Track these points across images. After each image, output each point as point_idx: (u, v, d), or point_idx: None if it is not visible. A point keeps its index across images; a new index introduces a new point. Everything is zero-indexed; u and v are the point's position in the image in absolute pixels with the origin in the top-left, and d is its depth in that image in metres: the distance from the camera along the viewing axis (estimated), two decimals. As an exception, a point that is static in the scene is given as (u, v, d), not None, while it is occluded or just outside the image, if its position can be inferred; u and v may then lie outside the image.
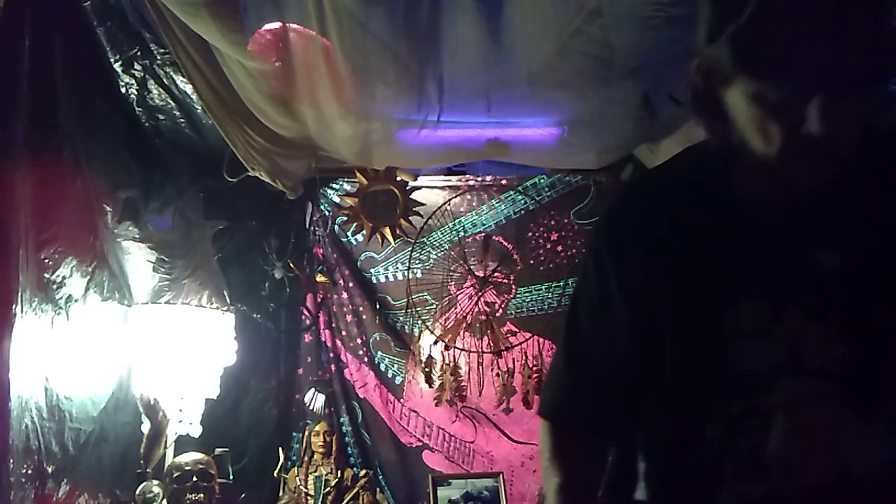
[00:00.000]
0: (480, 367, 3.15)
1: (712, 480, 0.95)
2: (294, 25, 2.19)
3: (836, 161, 0.91)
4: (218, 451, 2.75)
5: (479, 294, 3.22)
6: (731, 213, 0.97)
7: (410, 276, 3.23)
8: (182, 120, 2.72)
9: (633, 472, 1.08)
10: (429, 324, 3.19)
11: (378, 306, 3.22)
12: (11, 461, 1.81)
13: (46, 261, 2.06)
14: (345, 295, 3.24)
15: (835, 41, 0.83)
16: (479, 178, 3.29)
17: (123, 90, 2.54)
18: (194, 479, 2.55)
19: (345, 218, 3.22)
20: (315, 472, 2.92)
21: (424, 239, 3.24)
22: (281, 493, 2.90)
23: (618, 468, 1.12)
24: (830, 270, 0.92)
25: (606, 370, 1.08)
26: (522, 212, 3.27)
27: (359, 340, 3.20)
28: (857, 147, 0.90)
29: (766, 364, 0.93)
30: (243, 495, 2.86)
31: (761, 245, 0.96)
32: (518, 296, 3.23)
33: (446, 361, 3.14)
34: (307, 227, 3.27)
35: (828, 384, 0.90)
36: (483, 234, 3.26)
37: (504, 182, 3.30)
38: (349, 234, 3.26)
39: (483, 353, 3.16)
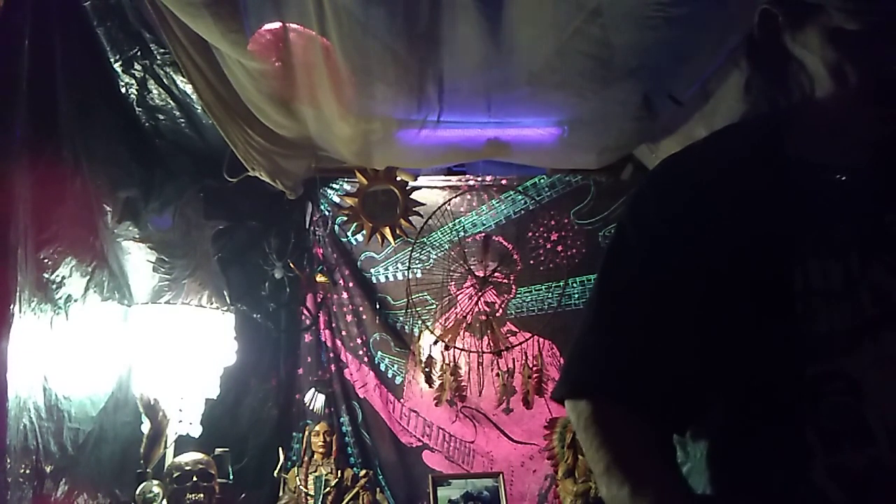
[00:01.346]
0: (480, 367, 3.15)
1: (799, 456, 0.84)
2: (294, 25, 2.19)
3: None
4: (218, 451, 2.75)
5: (479, 294, 3.22)
6: (789, 173, 0.90)
7: (410, 276, 3.23)
8: (182, 120, 2.72)
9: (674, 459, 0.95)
10: (429, 324, 3.19)
11: (378, 306, 3.22)
12: (9, 461, 1.81)
13: (46, 260, 2.06)
14: (345, 295, 3.24)
15: None
16: (479, 178, 3.29)
17: (123, 90, 2.54)
18: (194, 479, 2.55)
19: (345, 218, 3.22)
20: (315, 472, 2.92)
21: (424, 239, 3.24)
22: (281, 493, 2.90)
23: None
24: None
25: (653, 340, 0.94)
26: (522, 212, 3.27)
27: (359, 340, 3.20)
28: None
29: (847, 323, 0.84)
30: (243, 495, 2.86)
31: (827, 206, 0.88)
32: (518, 296, 3.22)
33: (446, 361, 3.14)
34: (307, 227, 3.27)
35: None
36: (483, 234, 3.26)
37: (504, 182, 3.30)
38: (349, 234, 3.26)
39: (483, 353, 3.15)
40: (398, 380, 3.19)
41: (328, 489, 2.87)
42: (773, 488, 0.85)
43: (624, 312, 0.98)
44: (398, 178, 3.16)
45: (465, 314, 3.20)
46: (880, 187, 0.86)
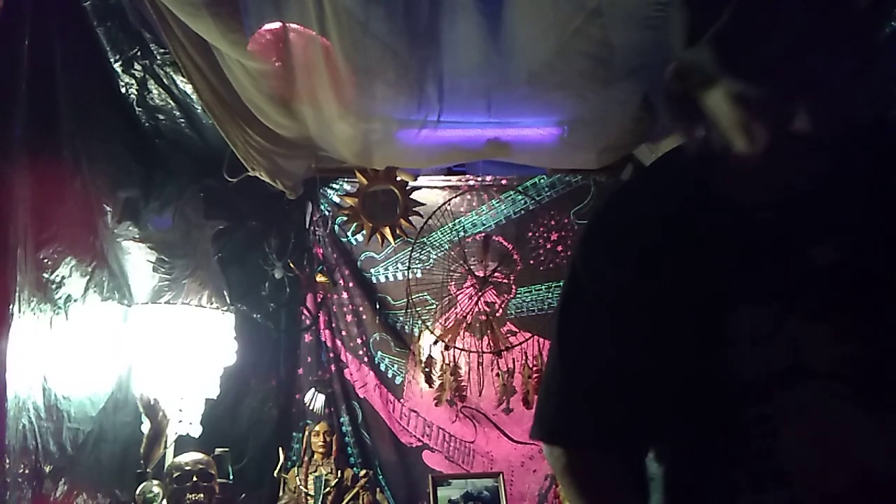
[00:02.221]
0: (480, 367, 3.14)
1: (727, 491, 0.91)
2: (294, 25, 2.19)
3: (822, 159, 0.90)
4: (218, 451, 2.75)
5: (479, 294, 3.22)
6: (718, 215, 0.95)
7: (410, 276, 3.23)
8: (182, 120, 2.72)
9: (645, 489, 1.03)
10: (429, 324, 3.19)
11: (378, 306, 3.22)
12: (8, 461, 1.82)
13: (45, 260, 2.06)
14: (345, 295, 3.24)
15: (815, 40, 0.83)
16: (479, 178, 3.29)
17: (123, 90, 2.54)
18: (194, 479, 2.55)
19: (345, 218, 3.21)
20: (315, 472, 2.91)
21: (424, 239, 3.24)
22: (281, 493, 2.90)
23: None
24: (827, 269, 0.89)
25: (609, 383, 1.01)
26: (522, 212, 3.27)
27: (359, 340, 3.20)
28: (847, 144, 0.90)
29: (770, 369, 0.89)
30: (243, 495, 2.86)
31: (754, 248, 0.93)
32: (518, 296, 3.22)
33: (446, 361, 3.14)
34: (307, 227, 3.27)
35: (836, 385, 0.87)
36: (483, 234, 3.26)
37: (504, 182, 3.29)
38: (349, 234, 3.26)
39: (483, 353, 3.15)
40: (398, 380, 3.19)
41: (328, 489, 2.87)
42: None
43: (580, 354, 1.05)
44: (398, 178, 3.16)
45: (465, 314, 3.20)
46: (802, 224, 0.91)
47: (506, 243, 3.25)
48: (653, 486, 1.02)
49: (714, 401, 0.93)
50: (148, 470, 2.47)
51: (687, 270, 0.94)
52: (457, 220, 3.26)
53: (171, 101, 2.62)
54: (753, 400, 0.90)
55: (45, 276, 2.06)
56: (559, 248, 3.23)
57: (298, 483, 2.89)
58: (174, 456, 2.65)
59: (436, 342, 3.17)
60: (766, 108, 0.88)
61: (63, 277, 2.14)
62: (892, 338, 0.87)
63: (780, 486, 0.87)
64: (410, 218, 3.18)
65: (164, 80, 2.53)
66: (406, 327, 3.23)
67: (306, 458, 2.95)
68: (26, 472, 1.92)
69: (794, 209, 0.92)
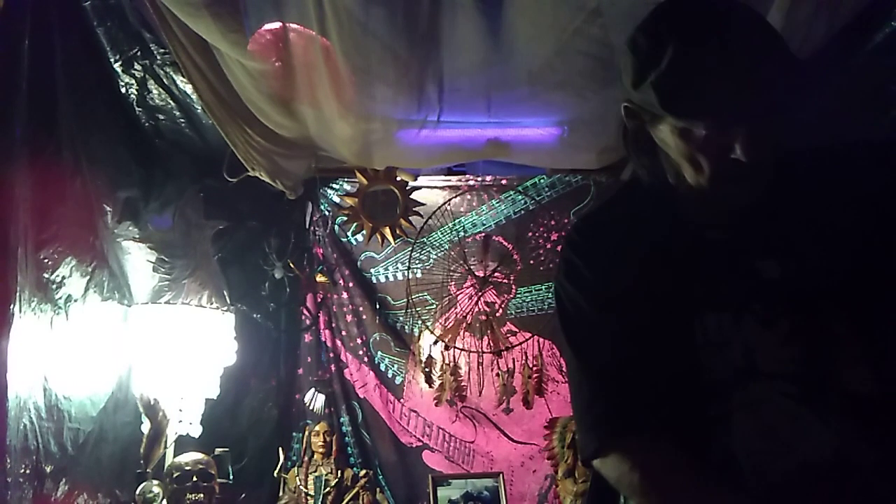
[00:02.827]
0: (480, 367, 3.14)
1: (692, 486, 0.98)
2: (294, 25, 2.19)
3: (760, 182, 1.01)
4: (218, 451, 2.75)
5: (479, 294, 3.22)
6: (676, 237, 1.07)
7: (410, 276, 3.23)
8: (182, 120, 2.72)
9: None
10: (429, 324, 3.19)
11: (378, 306, 3.22)
12: (9, 461, 1.82)
13: (46, 261, 2.06)
14: (345, 295, 3.24)
15: (745, 78, 0.93)
16: (479, 178, 3.29)
17: (123, 90, 2.54)
18: (194, 479, 2.55)
19: (345, 218, 3.21)
20: (315, 472, 2.92)
21: (424, 239, 3.24)
22: (281, 493, 2.90)
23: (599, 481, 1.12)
24: (773, 281, 1.00)
25: (629, 374, 1.05)
26: (522, 212, 3.27)
27: (359, 340, 3.20)
28: (785, 169, 1.02)
29: (729, 371, 0.99)
30: (243, 495, 2.86)
31: (708, 262, 1.04)
32: (518, 296, 3.22)
33: (446, 361, 3.14)
34: (307, 227, 3.26)
35: (784, 384, 0.97)
36: (483, 234, 3.26)
37: (504, 182, 3.29)
38: (349, 234, 3.26)
39: (483, 353, 3.15)
40: (398, 380, 3.19)
41: (328, 489, 2.87)
42: None
43: (594, 358, 1.11)
44: (398, 178, 3.16)
45: (465, 314, 3.20)
46: (747, 242, 1.04)
47: (506, 243, 3.25)
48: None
49: (683, 402, 1.01)
50: (148, 470, 2.47)
51: (654, 284, 1.04)
52: (457, 220, 3.26)
53: (171, 101, 2.62)
54: (716, 398, 1.00)
55: (46, 276, 2.06)
56: (559, 249, 3.21)
57: (298, 483, 2.89)
58: (174, 456, 2.65)
59: (436, 342, 3.17)
60: (706, 141, 0.97)
61: (63, 277, 2.14)
62: (832, 340, 0.98)
63: (735, 476, 0.97)
64: (410, 218, 3.18)
65: (164, 80, 2.53)
66: (406, 327, 3.23)
67: (306, 458, 2.95)
68: (27, 472, 1.92)
69: (740, 228, 1.04)
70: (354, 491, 2.89)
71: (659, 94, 0.96)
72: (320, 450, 2.94)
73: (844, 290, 0.98)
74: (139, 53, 2.41)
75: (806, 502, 0.94)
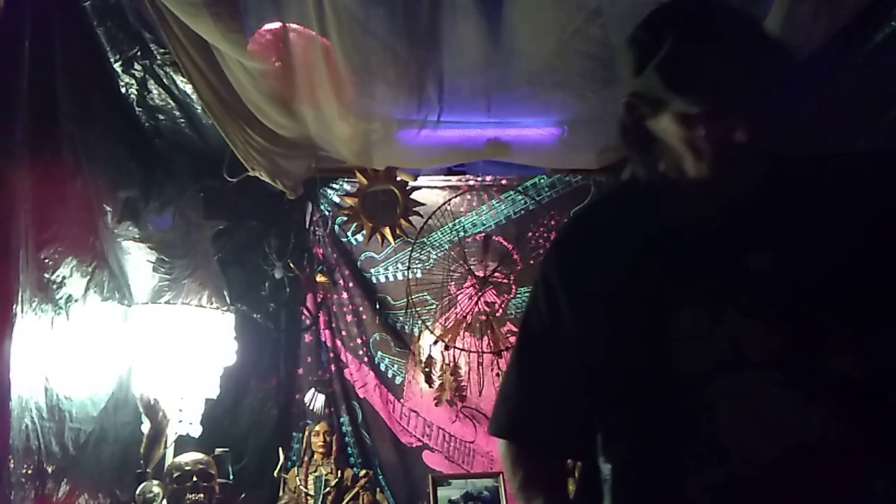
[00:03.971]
0: (480, 367, 3.15)
1: (676, 474, 1.01)
2: (294, 25, 2.20)
3: (759, 169, 1.06)
4: (218, 451, 2.75)
5: (479, 294, 3.22)
6: (665, 233, 1.09)
7: (410, 276, 3.23)
8: (182, 120, 2.72)
9: (598, 486, 1.12)
10: (429, 324, 3.19)
11: (378, 306, 3.22)
12: (11, 461, 1.82)
13: (46, 261, 2.06)
14: (345, 295, 3.24)
15: (744, 64, 0.97)
16: (479, 178, 3.29)
17: (123, 90, 2.54)
18: (194, 479, 2.55)
19: (345, 218, 3.21)
20: (315, 472, 2.92)
21: (424, 239, 3.24)
22: (281, 493, 2.90)
23: (583, 482, 1.18)
24: (761, 273, 1.02)
25: (560, 385, 1.15)
26: (522, 212, 3.27)
27: (359, 340, 3.20)
28: (782, 169, 1.05)
29: (714, 361, 1.01)
30: (243, 495, 2.86)
31: (696, 257, 1.07)
32: (518, 296, 3.22)
33: (446, 361, 3.14)
34: (307, 227, 3.27)
35: (770, 371, 0.99)
36: (483, 234, 3.26)
37: (504, 182, 3.30)
38: (349, 234, 3.26)
39: (483, 353, 3.16)
40: (398, 380, 3.19)
41: (328, 489, 2.87)
42: (660, 500, 1.05)
43: (532, 361, 1.21)
44: (398, 178, 3.16)
45: (465, 314, 3.21)
46: (738, 236, 1.06)
47: (506, 243, 3.25)
48: (605, 488, 1.11)
49: (663, 393, 1.05)
50: (148, 470, 2.47)
51: (636, 281, 1.08)
52: (457, 220, 3.26)
53: (171, 101, 2.62)
54: (698, 389, 1.01)
55: (47, 276, 2.06)
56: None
57: (298, 483, 2.89)
58: (174, 456, 2.65)
59: (436, 342, 3.17)
60: (707, 123, 1.01)
61: (64, 278, 2.14)
62: (816, 328, 0.99)
63: (721, 464, 0.98)
64: (410, 218, 3.18)
65: (164, 80, 2.53)
66: (406, 327, 3.23)
67: (306, 458, 2.95)
68: (29, 472, 1.92)
69: (732, 221, 1.06)
70: (354, 491, 2.89)
71: (662, 75, 1.00)
72: (320, 450, 2.94)
73: (833, 283, 0.99)
74: (139, 53, 2.41)
75: (794, 486, 0.96)
